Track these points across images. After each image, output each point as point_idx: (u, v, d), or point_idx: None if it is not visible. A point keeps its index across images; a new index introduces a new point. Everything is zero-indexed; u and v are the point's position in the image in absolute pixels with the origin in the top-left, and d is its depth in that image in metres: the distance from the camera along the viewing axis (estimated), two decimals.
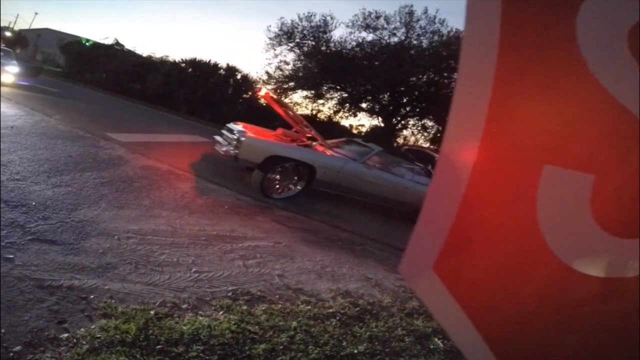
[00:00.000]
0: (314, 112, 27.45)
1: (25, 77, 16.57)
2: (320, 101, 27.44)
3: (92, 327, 2.42)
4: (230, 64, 27.14)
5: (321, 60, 25.13)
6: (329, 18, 25.68)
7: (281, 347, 2.80)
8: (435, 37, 23.83)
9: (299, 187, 7.38)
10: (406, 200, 8.42)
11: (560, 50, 0.82)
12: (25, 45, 44.89)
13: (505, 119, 0.87)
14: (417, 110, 26.45)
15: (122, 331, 2.43)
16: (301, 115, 22.87)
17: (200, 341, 2.58)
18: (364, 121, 28.90)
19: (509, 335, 0.90)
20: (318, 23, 25.81)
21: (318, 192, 7.68)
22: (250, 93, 25.87)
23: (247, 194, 6.63)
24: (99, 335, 2.35)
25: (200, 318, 2.82)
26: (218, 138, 7.95)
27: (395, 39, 24.70)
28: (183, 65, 26.67)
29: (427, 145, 26.09)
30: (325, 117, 26.95)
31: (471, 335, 0.90)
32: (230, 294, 3.33)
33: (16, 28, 49.19)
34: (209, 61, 26.62)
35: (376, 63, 24.14)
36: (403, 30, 24.47)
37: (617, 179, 0.79)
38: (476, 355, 0.91)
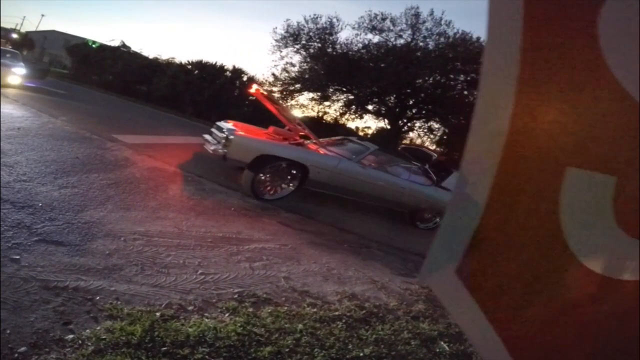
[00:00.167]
0: (320, 114, 27.41)
1: (32, 78, 16.67)
2: (327, 103, 27.41)
3: (98, 328, 2.42)
4: (236, 66, 27.23)
5: (327, 62, 25.10)
6: (335, 20, 25.68)
7: (287, 350, 2.78)
8: (442, 39, 23.76)
9: (291, 188, 7.09)
10: (403, 200, 8.25)
11: (582, 52, 0.81)
12: (32, 47, 45.19)
13: (529, 121, 0.85)
14: (424, 112, 26.37)
15: (127, 333, 2.42)
16: (307, 117, 22.81)
17: (206, 343, 2.57)
18: (370, 123, 28.76)
19: (529, 339, 0.89)
20: (324, 25, 25.80)
21: (323, 194, 7.56)
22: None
23: (252, 196, 6.61)
24: (104, 337, 2.34)
25: (206, 320, 2.81)
26: (207, 137, 7.62)
27: (402, 41, 24.66)
28: (189, 67, 26.75)
29: (433, 147, 26.07)
30: (332, 119, 26.89)
31: (491, 339, 0.89)
32: (236, 296, 3.32)
33: (23, 30, 49.58)
34: (215, 63, 26.72)
35: (382, 65, 24.09)
36: (409, 32, 24.42)
37: (639, 180, 0.78)
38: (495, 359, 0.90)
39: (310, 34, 26.04)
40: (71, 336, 2.29)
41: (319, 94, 26.82)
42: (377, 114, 27.09)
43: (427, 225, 8.90)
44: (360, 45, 25.69)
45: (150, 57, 29.95)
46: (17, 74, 14.36)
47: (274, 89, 27.40)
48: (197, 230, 4.53)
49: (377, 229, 7.49)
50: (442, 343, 3.62)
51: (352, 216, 7.72)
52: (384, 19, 24.67)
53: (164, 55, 30.08)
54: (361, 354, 3.02)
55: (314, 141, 7.99)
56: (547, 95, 0.85)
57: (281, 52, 26.89)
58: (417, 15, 23.92)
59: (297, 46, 26.56)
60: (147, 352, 2.34)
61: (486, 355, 0.93)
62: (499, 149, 0.87)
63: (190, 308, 2.94)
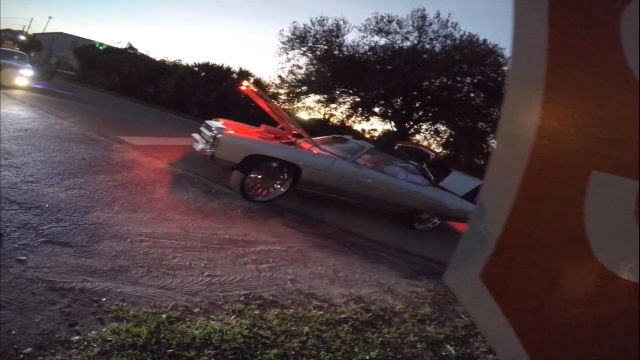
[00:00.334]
0: (327, 116, 27.42)
1: (39, 80, 16.79)
2: (333, 106, 27.43)
3: (104, 330, 2.41)
4: (243, 69, 27.31)
5: (334, 65, 25.16)
6: (341, 22, 25.76)
7: (293, 353, 2.77)
8: (448, 42, 23.78)
9: (283, 189, 6.76)
10: (400, 201, 7.97)
11: (606, 55, 0.79)
12: (40, 49, 45.49)
13: (555, 125, 0.84)
14: (430, 114, 26.35)
15: (133, 335, 2.41)
16: (314, 119, 22.79)
17: (212, 346, 2.55)
18: (377, 126, 28.76)
19: (551, 345, 0.87)
20: (331, 27, 25.90)
21: (328, 197, 7.43)
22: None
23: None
24: (110, 339, 2.33)
25: (213, 322, 2.80)
26: (195, 136, 7.26)
27: (408, 44, 24.70)
28: (196, 69, 26.86)
29: (439, 149, 26.01)
30: (338, 121, 26.89)
31: (513, 344, 0.87)
32: (242, 298, 3.31)
33: (30, 32, 49.93)
34: (222, 65, 26.83)
35: (389, 67, 24.12)
36: (416, 34, 24.47)
37: None
38: None
39: (317, 36, 26.14)
40: (77, 338, 2.29)
41: (325, 96, 26.86)
42: (384, 117, 27.09)
43: (425, 226, 8.73)
44: (367, 47, 25.77)
45: (157, 59, 30.13)
46: (24, 76, 14.48)
47: (281, 91, 27.47)
48: (204, 232, 4.52)
49: (384, 232, 7.46)
50: (449, 347, 3.60)
51: (359, 219, 7.69)
52: (390, 22, 24.74)
53: (171, 57, 30.16)
54: (367, 357, 3.00)
55: (307, 140, 7.72)
56: (572, 99, 0.84)
57: (288, 54, 27.01)
58: (423, 17, 23.98)
59: (304, 49, 26.66)
60: (153, 355, 2.33)
61: (507, 359, 0.91)
62: (526, 153, 0.85)
63: (196, 310, 2.93)
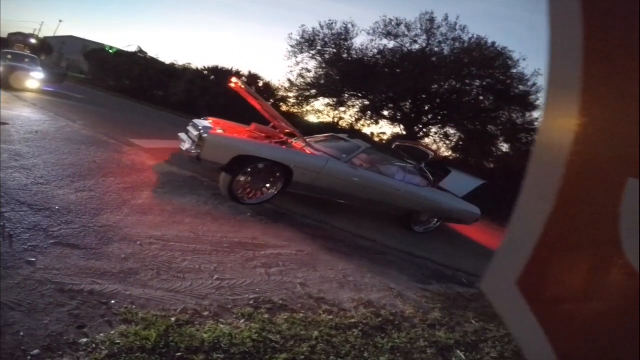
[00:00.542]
0: (336, 119, 27.40)
1: (50, 83, 16.93)
2: (342, 109, 27.39)
3: (112, 332, 2.40)
4: (252, 72, 27.36)
5: (343, 68, 25.12)
6: (350, 26, 25.73)
7: (302, 357, 2.75)
8: (457, 44, 23.69)
9: (273, 191, 6.41)
10: (398, 203, 7.69)
11: None
12: (50, 52, 45.89)
13: (592, 132, 0.81)
14: (439, 118, 26.25)
15: (142, 337, 2.40)
16: (322, 123, 22.76)
17: (220, 349, 2.54)
18: (385, 129, 28.67)
19: (584, 353, 0.84)
20: (339, 31, 25.84)
21: (337, 200, 7.35)
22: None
23: (269, 202, 6.56)
24: (118, 341, 2.32)
25: (222, 326, 2.78)
26: (182, 135, 6.92)
27: (417, 46, 24.63)
28: (206, 72, 26.95)
29: (448, 153, 25.91)
30: (347, 124, 26.85)
31: (546, 353, 0.85)
32: (252, 302, 3.29)
33: (41, 35, 50.32)
34: (231, 69, 26.90)
35: (398, 71, 24.04)
36: (424, 37, 24.38)
37: None
38: None
39: (326, 39, 26.10)
40: (85, 340, 2.28)
41: (334, 99, 26.82)
42: (393, 120, 26.98)
43: (426, 227, 8.51)
44: (375, 50, 25.68)
45: (167, 62, 30.22)
46: (35, 78, 14.64)
47: (290, 94, 27.49)
48: (214, 235, 4.51)
49: (393, 235, 7.42)
50: (459, 352, 3.57)
51: (368, 222, 7.65)
52: (398, 25, 24.65)
53: (180, 61, 30.27)
54: None
55: (300, 139, 7.38)
56: (609, 106, 0.81)
57: (297, 57, 26.96)
58: (431, 20, 23.87)
59: (313, 52, 26.63)
60: (162, 358, 2.32)
61: None
62: (563, 160, 0.83)
63: (205, 313, 2.91)
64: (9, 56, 16.15)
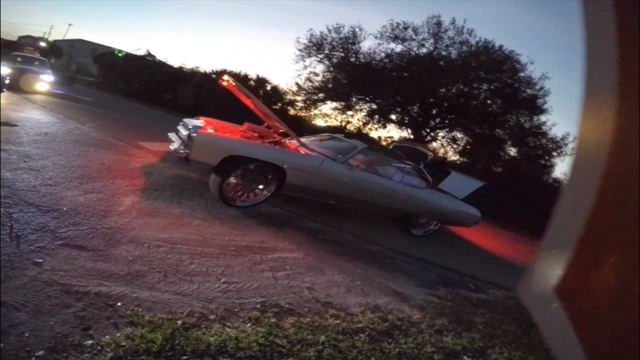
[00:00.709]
0: (343, 123, 27.39)
1: (59, 85, 17.10)
2: (350, 113, 27.39)
3: (118, 335, 2.38)
4: (260, 75, 27.42)
5: (350, 72, 25.15)
6: (357, 29, 25.78)
7: None
8: (464, 48, 23.67)
9: (266, 193, 6.15)
10: (396, 205, 7.46)
11: None
12: (60, 55, 46.30)
13: (630, 133, 0.79)
14: (447, 121, 26.19)
15: (148, 340, 2.38)
16: (329, 126, 22.75)
17: (227, 353, 2.52)
18: (393, 133, 28.62)
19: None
20: (347, 34, 25.91)
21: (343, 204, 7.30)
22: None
23: (277, 205, 6.54)
24: (124, 344, 2.30)
25: (228, 329, 2.76)
26: (171, 135, 6.62)
27: (424, 50, 24.63)
28: (214, 76, 27.02)
29: (456, 157, 25.83)
30: (355, 128, 26.84)
31: (579, 357, 0.83)
32: (258, 305, 3.26)
33: (51, 39, 50.84)
34: (239, 72, 26.97)
35: (405, 74, 24.05)
36: (431, 41, 24.39)
37: None
38: None
39: (333, 43, 26.16)
40: (90, 342, 2.26)
41: (342, 103, 26.84)
42: (400, 124, 26.93)
43: (425, 230, 8.31)
44: (383, 54, 25.72)
45: (175, 66, 30.33)
46: (45, 81, 14.80)
47: (298, 98, 27.53)
48: (221, 238, 4.50)
49: (400, 239, 7.39)
50: (466, 358, 3.53)
51: (375, 226, 7.62)
52: (406, 28, 24.68)
53: (188, 64, 30.36)
54: None
55: (294, 139, 7.05)
56: None
57: (304, 61, 27.01)
58: (439, 23, 23.89)
59: (320, 56, 26.68)
60: None
61: None
62: (601, 168, 0.81)
63: (212, 317, 2.89)
64: (19, 59, 16.35)
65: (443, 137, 26.67)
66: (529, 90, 23.13)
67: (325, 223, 6.61)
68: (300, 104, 27.68)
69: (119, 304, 2.71)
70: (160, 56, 31.92)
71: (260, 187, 6.13)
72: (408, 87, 22.60)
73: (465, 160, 25.00)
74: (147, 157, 7.51)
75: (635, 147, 0.79)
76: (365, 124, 26.90)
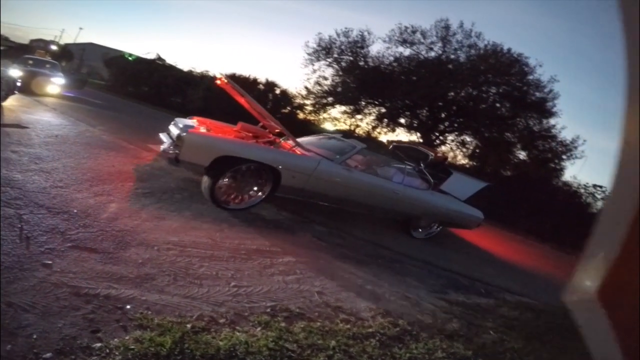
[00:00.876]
0: (352, 127, 27.39)
1: (70, 88, 17.25)
2: (359, 116, 27.40)
3: (127, 338, 2.36)
4: (269, 79, 27.48)
5: (359, 76, 25.19)
6: (366, 33, 25.84)
7: None
8: (472, 51, 23.64)
9: (260, 195, 5.90)
10: (396, 207, 7.26)
11: None
12: (71, 58, 46.67)
13: None
14: (456, 125, 26.13)
15: (157, 344, 2.36)
16: (338, 130, 22.74)
17: (236, 357, 2.49)
18: (402, 137, 28.58)
19: None
20: (355, 38, 26.01)
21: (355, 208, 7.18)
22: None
23: (287, 209, 6.52)
24: (132, 347, 2.28)
25: (238, 334, 2.73)
26: (162, 136, 6.34)
27: (433, 54, 24.64)
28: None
29: (465, 161, 25.74)
30: (364, 132, 26.83)
31: None
32: (268, 309, 3.23)
33: (62, 42, 51.31)
34: (249, 76, 27.04)
35: (414, 78, 24.05)
36: (440, 44, 24.40)
37: None
38: None
39: (342, 47, 26.27)
40: (99, 344, 2.24)
41: (351, 107, 26.87)
42: (409, 127, 26.90)
43: (427, 233, 8.12)
44: (391, 58, 25.77)
45: (185, 70, 30.47)
46: (56, 84, 14.95)
47: (307, 102, 27.58)
48: (231, 241, 4.48)
49: (410, 244, 7.34)
50: None
51: (386, 230, 7.57)
52: (414, 32, 24.76)
53: (198, 68, 30.46)
54: None
55: (290, 139, 6.70)
56: None
57: (313, 65, 27.11)
58: (447, 27, 23.93)
59: (329, 59, 26.76)
60: None
61: None
62: None
63: (221, 321, 2.87)
64: (31, 62, 16.51)
65: (452, 141, 26.64)
66: (537, 93, 23.12)
67: (335, 227, 6.57)
68: (309, 108, 27.74)
69: (128, 306, 2.69)
70: (170, 60, 32.00)
71: (254, 189, 5.89)
72: (417, 90, 22.60)
73: (475, 163, 24.91)
74: (157, 160, 7.51)
75: None
76: (374, 128, 26.89)
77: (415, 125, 26.56)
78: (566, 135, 23.34)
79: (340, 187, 6.43)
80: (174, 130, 5.93)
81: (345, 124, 27.58)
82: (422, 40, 24.75)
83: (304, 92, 27.74)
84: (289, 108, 27.36)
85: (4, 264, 2.71)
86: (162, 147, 5.80)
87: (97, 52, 47.13)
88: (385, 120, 26.54)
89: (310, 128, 23.31)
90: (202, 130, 5.97)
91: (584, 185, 22.21)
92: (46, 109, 10.93)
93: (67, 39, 59.31)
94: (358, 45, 26.06)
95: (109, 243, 3.52)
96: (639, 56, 0.75)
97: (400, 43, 25.19)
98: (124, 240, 3.66)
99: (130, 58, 32.53)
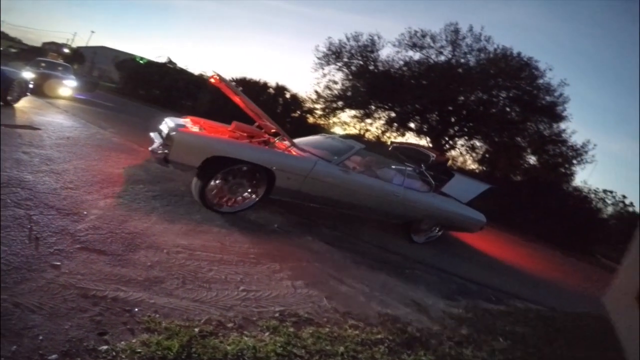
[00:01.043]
0: (362, 131, 27.39)
1: (82, 91, 17.37)
2: (368, 121, 27.40)
3: (134, 341, 2.34)
4: (279, 83, 27.52)
5: (369, 80, 25.21)
6: (376, 37, 25.87)
7: None
8: (482, 55, 23.59)
9: (254, 197, 5.65)
10: (396, 210, 7.05)
11: None
12: (82, 61, 47.21)
13: None
14: (466, 129, 26.04)
15: (164, 347, 2.33)
16: (348, 135, 22.73)
17: None
18: (411, 141, 28.54)
19: None
20: (365, 42, 26.07)
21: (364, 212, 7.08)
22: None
23: (296, 213, 6.50)
24: (139, 350, 2.26)
25: (246, 338, 2.70)
26: (153, 135, 6.07)
27: (442, 58, 24.62)
28: (233, 83, 27.16)
29: (475, 166, 25.63)
30: (374, 136, 26.81)
31: None
32: (277, 314, 3.20)
33: (74, 45, 51.89)
34: (259, 80, 27.10)
35: (424, 82, 24.03)
36: (449, 48, 24.40)
37: None
38: None
39: (352, 51, 26.34)
40: (105, 347, 2.22)
41: (361, 111, 26.88)
42: (419, 132, 26.87)
43: (428, 237, 7.88)
44: (401, 62, 25.80)
45: (196, 73, 30.58)
46: (68, 86, 15.08)
47: (317, 106, 27.61)
48: (240, 245, 4.45)
49: (420, 249, 7.29)
50: None
51: (395, 236, 7.52)
52: (423, 36, 24.81)
53: (208, 72, 30.57)
54: None
55: (285, 139, 6.40)
56: None
57: (323, 69, 27.19)
58: (456, 31, 23.95)
59: (339, 64, 26.82)
60: None
61: None
62: None
63: (230, 325, 2.84)
64: (43, 64, 16.69)
65: (462, 146, 26.55)
66: (548, 97, 23.07)
67: (344, 231, 6.54)
68: (319, 112, 27.76)
69: (136, 309, 2.67)
70: (181, 64, 32.18)
71: (248, 191, 5.64)
72: (426, 95, 22.59)
73: (485, 168, 24.83)
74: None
75: None
76: (384, 132, 26.88)
77: (425, 129, 26.52)
78: (576, 139, 23.28)
79: (338, 190, 6.20)
80: (165, 129, 5.59)
81: (355, 128, 27.58)
82: (431, 44, 24.80)
83: (314, 96, 27.81)
84: (299, 112, 27.37)
85: (12, 264, 2.71)
86: (151, 147, 5.55)
87: (108, 55, 47.57)
88: (395, 124, 26.52)
89: (320, 132, 23.34)
90: (193, 129, 5.69)
91: (595, 190, 22.08)
92: (58, 111, 11.01)
93: (79, 42, 60.03)
94: (368, 49, 26.11)
95: (118, 245, 3.51)
96: None
97: (410, 47, 25.25)
98: (133, 243, 3.65)
99: (141, 61, 32.72)
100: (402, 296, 4.55)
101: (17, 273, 2.63)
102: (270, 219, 5.78)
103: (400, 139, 26.74)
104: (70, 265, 2.94)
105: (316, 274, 4.37)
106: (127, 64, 33.11)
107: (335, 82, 27.27)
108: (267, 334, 2.86)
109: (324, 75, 27.35)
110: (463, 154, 26.55)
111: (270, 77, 42.36)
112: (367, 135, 27.00)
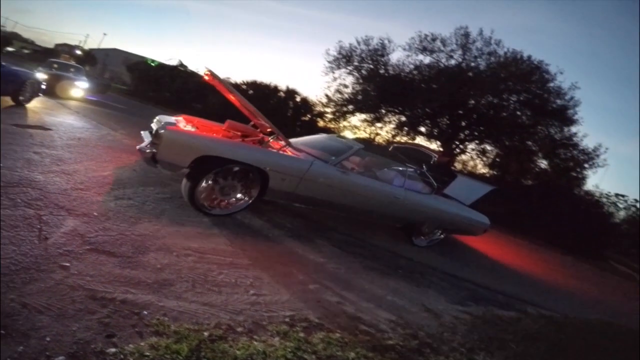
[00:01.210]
0: (373, 135, 27.37)
1: (93, 92, 17.51)
2: (379, 124, 27.38)
3: (142, 344, 2.30)
4: (289, 87, 27.57)
5: (379, 84, 25.20)
6: (386, 41, 25.89)
7: None
8: (492, 59, 23.52)
9: (247, 199, 5.39)
10: (396, 213, 6.83)
11: None
12: (94, 63, 47.68)
13: None
14: (476, 133, 25.93)
15: (172, 351, 2.30)
16: (358, 139, 22.73)
17: None
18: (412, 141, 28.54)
19: None
20: (376, 46, 26.11)
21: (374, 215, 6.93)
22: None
23: (306, 217, 6.47)
24: (147, 353, 2.22)
25: (255, 343, 2.66)
26: (144, 134, 5.81)
27: (453, 62, 24.58)
28: (244, 87, 27.26)
29: (485, 170, 25.52)
30: (384, 140, 26.77)
31: None
32: (287, 319, 3.16)
33: (86, 47, 52.38)
34: (269, 83, 27.18)
35: (434, 86, 23.98)
36: (460, 52, 24.36)
37: None
38: None
39: (362, 55, 26.39)
40: (113, 350, 2.18)
41: (371, 115, 26.87)
42: (430, 136, 26.81)
43: (429, 240, 7.69)
44: (411, 66, 25.80)
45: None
46: (80, 88, 15.21)
47: (328, 109, 27.64)
48: (251, 249, 4.42)
49: (431, 254, 7.22)
50: None
51: (404, 240, 7.46)
52: (434, 40, 24.83)
53: (219, 75, 30.76)
54: None
55: (280, 138, 5.99)
56: None
57: (334, 73, 27.26)
58: (466, 35, 23.89)
59: (350, 67, 26.86)
60: None
61: None
62: None
63: (239, 329, 2.80)
64: (55, 65, 16.84)
65: (473, 150, 26.46)
66: (558, 101, 22.99)
67: (355, 235, 6.49)
68: (329, 116, 27.78)
69: (145, 312, 2.64)
70: (192, 67, 32.34)
71: (240, 192, 5.38)
72: (437, 98, 22.54)
73: (495, 172, 24.73)
74: None
75: None
76: (394, 136, 26.85)
77: (435, 133, 26.45)
78: (588, 143, 23.17)
79: (336, 191, 5.95)
80: (155, 127, 5.32)
81: (366, 132, 27.57)
82: (442, 48, 24.80)
83: (324, 100, 27.86)
84: (309, 116, 27.40)
85: (21, 264, 2.69)
86: (139, 145, 5.14)
87: (120, 58, 48.04)
88: (406, 128, 26.46)
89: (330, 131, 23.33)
90: (184, 127, 5.39)
91: (606, 194, 21.88)
92: (69, 112, 11.07)
93: (92, 44, 60.63)
94: (378, 53, 26.14)
95: (127, 247, 3.49)
96: None
97: (420, 51, 25.25)
98: (143, 245, 3.63)
99: (152, 64, 32.96)
100: (413, 301, 4.50)
101: (25, 273, 2.62)
102: (281, 222, 5.74)
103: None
104: (79, 266, 2.92)
105: (327, 278, 4.33)
106: (139, 66, 33.38)
107: (345, 86, 27.35)
108: (277, 338, 2.82)
109: (335, 79, 27.45)
110: (474, 158, 26.46)
111: (281, 81, 42.49)
112: (377, 139, 26.96)
